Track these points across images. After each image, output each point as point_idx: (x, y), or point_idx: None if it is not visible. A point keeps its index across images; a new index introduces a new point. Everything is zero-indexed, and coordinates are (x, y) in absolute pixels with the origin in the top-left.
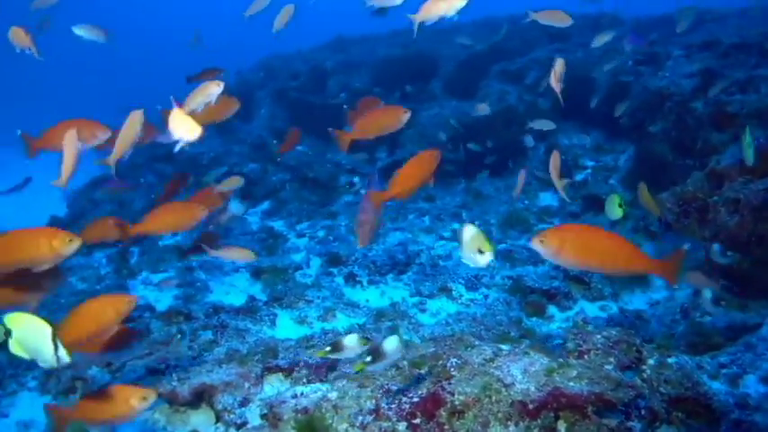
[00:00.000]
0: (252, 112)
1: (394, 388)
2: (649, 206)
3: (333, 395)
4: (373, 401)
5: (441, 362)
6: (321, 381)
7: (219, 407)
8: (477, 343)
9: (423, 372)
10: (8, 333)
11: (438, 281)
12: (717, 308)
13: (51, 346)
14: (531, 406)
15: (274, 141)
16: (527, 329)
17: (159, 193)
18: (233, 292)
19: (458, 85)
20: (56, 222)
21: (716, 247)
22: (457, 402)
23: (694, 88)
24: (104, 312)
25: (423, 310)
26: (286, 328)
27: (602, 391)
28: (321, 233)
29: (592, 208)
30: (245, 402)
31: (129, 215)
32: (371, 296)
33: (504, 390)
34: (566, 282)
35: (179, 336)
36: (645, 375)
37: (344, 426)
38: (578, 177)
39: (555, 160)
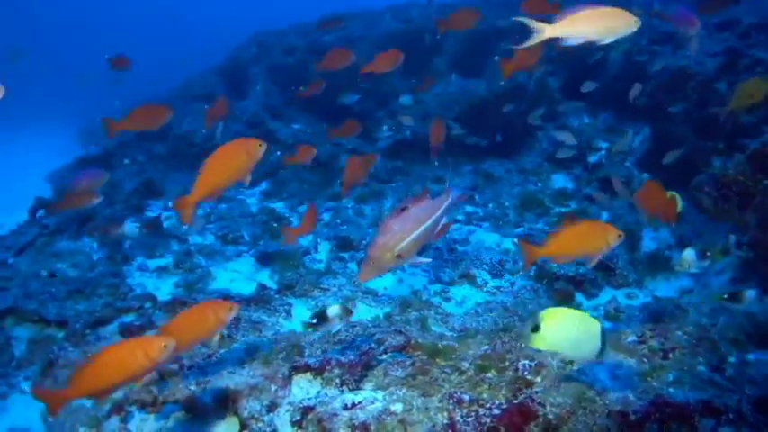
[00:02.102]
0: (245, 88)
1: (466, 397)
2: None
3: (397, 407)
4: (446, 414)
5: (507, 363)
6: (357, 382)
7: (245, 414)
8: None
9: (490, 375)
10: (537, 327)
11: (459, 267)
12: (702, 262)
13: (599, 343)
14: (632, 417)
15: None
16: None
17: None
18: (238, 278)
19: (463, 63)
20: (42, 203)
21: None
22: (551, 416)
23: (718, 68)
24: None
25: (447, 299)
26: (303, 319)
27: (710, 399)
28: (326, 216)
29: (608, 190)
30: (272, 407)
31: (120, 196)
32: (389, 283)
33: (598, 398)
34: (591, 268)
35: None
36: (727, 374)
37: None
38: (592, 159)
39: None
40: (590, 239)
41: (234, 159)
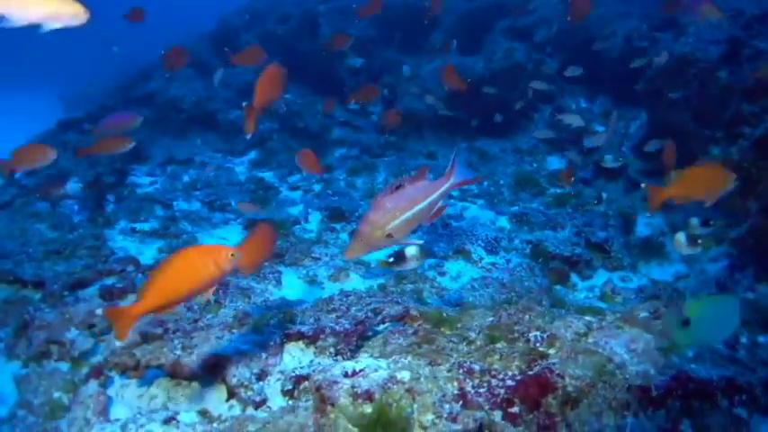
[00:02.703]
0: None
1: (476, 367)
2: None
3: (403, 375)
4: (456, 384)
5: (517, 334)
6: (352, 352)
7: (234, 381)
8: (547, 312)
9: (500, 346)
10: (686, 321)
11: (453, 242)
12: (706, 229)
13: (738, 317)
14: (654, 393)
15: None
16: (558, 299)
17: None
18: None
19: (461, 39)
20: None
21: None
22: (570, 388)
23: (721, 56)
24: None
25: (442, 273)
26: (294, 287)
27: (734, 376)
28: (317, 187)
29: (603, 174)
30: (262, 375)
31: (104, 160)
32: (382, 255)
33: (618, 372)
34: (587, 249)
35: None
36: (740, 355)
37: (430, 416)
38: (589, 143)
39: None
40: (711, 181)
41: (276, 78)
